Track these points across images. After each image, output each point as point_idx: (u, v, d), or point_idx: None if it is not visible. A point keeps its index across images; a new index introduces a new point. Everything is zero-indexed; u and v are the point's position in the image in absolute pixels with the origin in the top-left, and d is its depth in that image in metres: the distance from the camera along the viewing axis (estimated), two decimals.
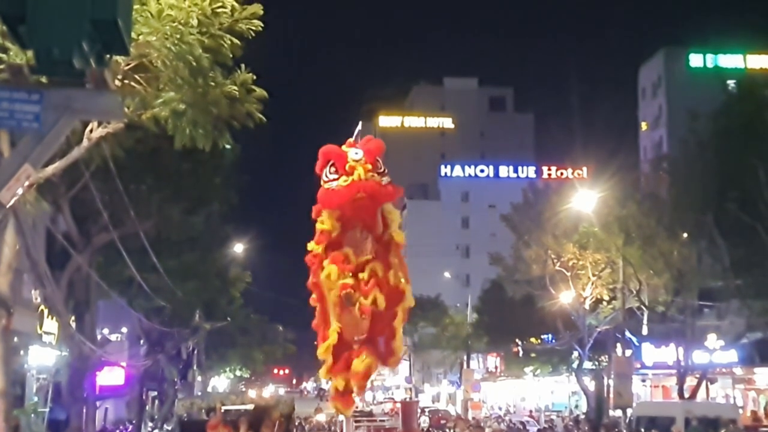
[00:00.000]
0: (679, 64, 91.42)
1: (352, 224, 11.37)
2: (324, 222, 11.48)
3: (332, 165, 11.37)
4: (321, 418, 52.24)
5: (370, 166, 11.22)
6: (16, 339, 24.11)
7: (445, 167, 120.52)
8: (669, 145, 77.99)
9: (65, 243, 25.57)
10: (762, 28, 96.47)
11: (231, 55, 16.16)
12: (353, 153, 11.33)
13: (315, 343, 12.79)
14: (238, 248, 48.17)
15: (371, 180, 11.13)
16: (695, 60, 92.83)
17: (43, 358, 31.33)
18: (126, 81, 15.78)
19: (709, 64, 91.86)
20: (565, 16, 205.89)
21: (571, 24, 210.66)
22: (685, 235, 39.83)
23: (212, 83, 16.12)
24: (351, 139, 12.20)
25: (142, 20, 15.20)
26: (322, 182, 11.58)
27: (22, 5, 6.44)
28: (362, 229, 11.49)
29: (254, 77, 16.86)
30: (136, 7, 15.44)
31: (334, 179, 11.30)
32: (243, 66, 16.60)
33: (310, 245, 11.76)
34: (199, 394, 55.07)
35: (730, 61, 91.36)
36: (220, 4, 15.74)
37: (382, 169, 11.46)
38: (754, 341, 41.96)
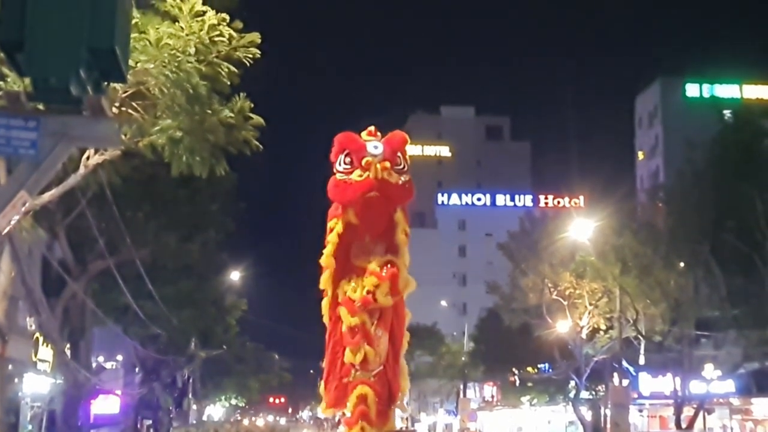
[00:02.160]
0: (675, 94, 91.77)
1: (361, 227, 10.62)
2: (336, 224, 10.74)
3: (348, 155, 10.60)
4: None
5: (388, 164, 10.45)
6: (10, 367, 24.02)
7: (442, 195, 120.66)
8: (665, 175, 78.12)
9: (61, 270, 25.51)
10: (758, 59, 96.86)
11: (228, 83, 16.20)
12: (372, 146, 10.52)
13: (316, 369, 12.36)
14: (235, 276, 48.08)
15: (387, 180, 10.38)
16: (692, 90, 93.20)
17: (37, 385, 31.17)
18: (123, 108, 15.79)
19: (706, 94, 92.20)
20: (562, 45, 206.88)
21: (568, 53, 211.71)
22: (682, 264, 39.81)
23: (209, 111, 16.15)
24: (372, 128, 11.30)
25: (140, 48, 15.23)
26: (334, 170, 10.89)
27: (20, 33, 6.45)
28: (371, 234, 10.76)
29: (251, 105, 16.90)
30: (134, 35, 15.48)
31: (348, 170, 10.55)
32: (240, 94, 16.64)
33: (324, 255, 10.98)
34: (194, 422, 54.79)
35: (727, 91, 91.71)
36: (218, 32, 15.79)
37: (401, 166, 10.69)
38: (751, 371, 41.85)
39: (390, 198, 10.63)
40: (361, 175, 10.41)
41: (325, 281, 11.01)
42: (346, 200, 10.63)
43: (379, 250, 10.85)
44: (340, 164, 10.65)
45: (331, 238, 10.85)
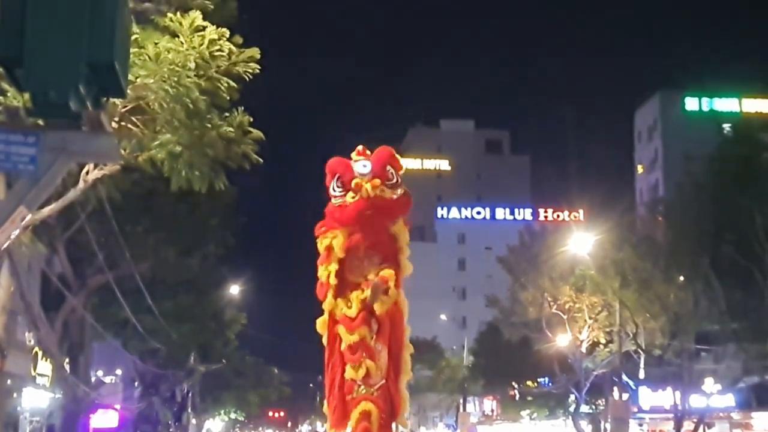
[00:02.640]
0: (675, 108, 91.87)
1: (357, 246, 10.69)
2: (327, 240, 10.76)
3: (338, 179, 10.74)
4: None
5: (378, 181, 10.53)
6: (9, 381, 23.96)
7: (442, 209, 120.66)
8: (665, 188, 78.16)
9: (60, 285, 25.48)
10: (757, 73, 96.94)
11: (228, 98, 16.23)
12: (360, 166, 10.62)
13: (316, 383, 12.23)
14: (234, 290, 48.03)
15: (380, 196, 10.44)
16: (691, 104, 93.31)
17: (36, 400, 31.11)
18: (123, 123, 15.81)
19: (705, 108, 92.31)
20: (561, 58, 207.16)
21: (567, 67, 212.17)
22: (682, 278, 39.78)
23: (209, 125, 16.18)
24: (360, 147, 11.32)
25: (140, 63, 15.26)
26: (330, 197, 11.02)
27: (19, 48, 6.45)
28: (367, 249, 10.77)
29: (251, 119, 16.93)
30: (133, 50, 15.51)
31: (341, 195, 10.68)
32: (240, 108, 16.67)
33: (320, 272, 10.99)
34: None
35: (726, 104, 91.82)
36: (218, 47, 15.83)
37: (394, 180, 10.74)
38: (751, 385, 41.77)
39: (386, 213, 10.68)
40: (353, 197, 10.52)
41: (329, 302, 10.99)
42: (344, 222, 10.73)
43: (375, 261, 10.88)
44: (333, 190, 10.83)
45: (332, 259, 10.86)
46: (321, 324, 11.06)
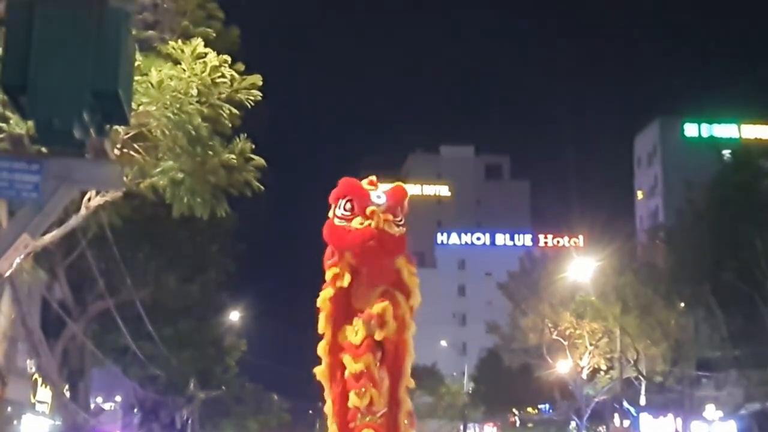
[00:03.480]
0: (674, 134, 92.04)
1: (360, 273, 10.55)
2: (337, 270, 10.58)
3: (349, 201, 10.54)
4: None
5: (390, 216, 10.46)
6: (9, 408, 23.90)
7: (442, 235, 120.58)
8: (665, 214, 78.17)
9: (60, 311, 25.46)
10: (756, 99, 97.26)
11: (230, 125, 16.29)
12: (375, 196, 10.54)
13: (315, 410, 12.03)
14: (234, 316, 47.93)
15: (387, 231, 10.35)
16: (690, 130, 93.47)
17: (36, 427, 31.01)
18: (125, 150, 15.86)
19: (704, 134, 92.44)
20: (561, 84, 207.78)
21: (567, 93, 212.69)
22: (683, 304, 39.74)
23: (211, 152, 16.22)
24: (373, 177, 11.20)
25: (142, 90, 15.32)
26: (332, 213, 10.85)
27: (24, 76, 6.49)
28: (370, 278, 10.64)
29: (252, 146, 16.98)
30: (136, 77, 15.57)
31: (348, 217, 10.49)
32: (242, 135, 16.72)
33: (320, 298, 10.84)
34: None
35: (725, 131, 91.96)
36: (219, 74, 15.89)
37: (400, 219, 10.70)
38: (752, 412, 41.63)
39: (386, 249, 10.53)
40: (362, 223, 10.33)
41: (322, 325, 10.92)
42: (344, 246, 10.52)
43: (378, 291, 10.75)
44: (339, 208, 10.50)
45: (332, 284, 10.72)
46: (322, 347, 11.01)
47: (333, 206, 10.59)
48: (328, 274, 10.61)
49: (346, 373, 10.62)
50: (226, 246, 33.80)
